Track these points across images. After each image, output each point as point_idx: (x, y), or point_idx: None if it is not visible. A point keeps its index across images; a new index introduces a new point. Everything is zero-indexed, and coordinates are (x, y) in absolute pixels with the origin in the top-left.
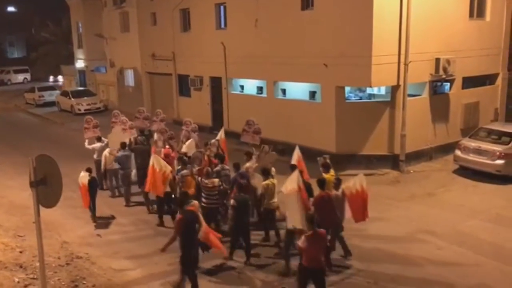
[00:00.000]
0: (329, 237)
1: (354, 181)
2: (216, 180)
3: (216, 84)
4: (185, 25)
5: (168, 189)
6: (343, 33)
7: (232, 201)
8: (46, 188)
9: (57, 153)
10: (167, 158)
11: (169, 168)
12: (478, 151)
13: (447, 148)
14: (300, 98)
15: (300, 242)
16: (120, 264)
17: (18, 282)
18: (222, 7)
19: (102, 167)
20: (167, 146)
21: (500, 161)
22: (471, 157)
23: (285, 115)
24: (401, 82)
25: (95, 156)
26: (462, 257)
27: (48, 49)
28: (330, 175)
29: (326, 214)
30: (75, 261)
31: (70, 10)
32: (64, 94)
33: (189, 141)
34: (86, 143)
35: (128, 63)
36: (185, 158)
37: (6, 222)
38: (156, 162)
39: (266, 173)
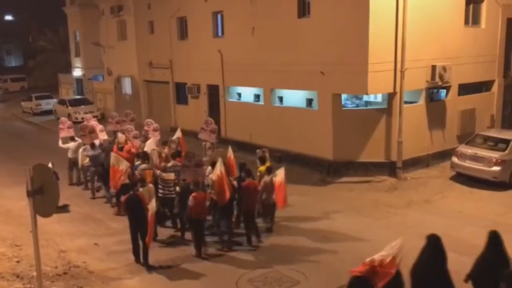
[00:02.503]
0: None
1: (278, 173)
2: (172, 174)
3: (214, 92)
4: (182, 33)
5: (126, 181)
6: (340, 40)
7: (177, 188)
8: (43, 198)
9: (54, 162)
10: (128, 154)
11: (125, 164)
12: (475, 158)
13: (443, 155)
14: (297, 105)
15: None
16: (117, 273)
17: None
18: (219, 16)
19: (80, 163)
20: (129, 144)
21: (496, 168)
22: (468, 163)
23: (282, 122)
24: (398, 90)
25: (69, 154)
26: (459, 263)
27: (45, 57)
28: (264, 167)
29: (251, 198)
30: (73, 270)
31: (68, 18)
32: (62, 102)
33: (150, 140)
34: (59, 143)
35: (125, 71)
36: (143, 154)
37: (3, 231)
38: (113, 159)
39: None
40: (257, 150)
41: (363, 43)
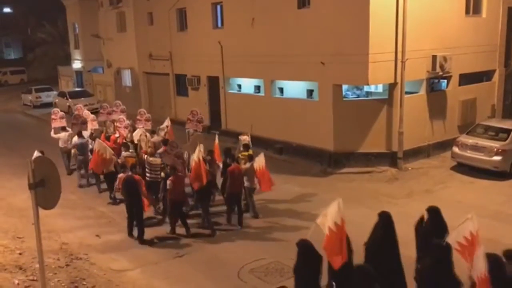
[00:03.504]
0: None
1: (257, 159)
2: (159, 159)
3: (214, 84)
4: (182, 24)
5: (112, 169)
6: (340, 31)
7: (162, 174)
8: (44, 190)
9: (55, 154)
10: (114, 144)
11: (110, 151)
12: (476, 148)
13: (444, 145)
14: (297, 96)
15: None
16: (119, 264)
17: (18, 284)
18: (218, 7)
19: (72, 152)
20: (116, 134)
21: (497, 157)
22: (469, 153)
23: (282, 113)
24: (398, 80)
25: (60, 144)
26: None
27: (44, 50)
28: (247, 153)
29: (236, 181)
30: (75, 262)
31: (66, 10)
32: (62, 95)
33: (137, 130)
34: (52, 132)
35: (125, 63)
36: (128, 143)
37: (5, 224)
38: (99, 146)
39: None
40: (240, 137)
41: (364, 33)
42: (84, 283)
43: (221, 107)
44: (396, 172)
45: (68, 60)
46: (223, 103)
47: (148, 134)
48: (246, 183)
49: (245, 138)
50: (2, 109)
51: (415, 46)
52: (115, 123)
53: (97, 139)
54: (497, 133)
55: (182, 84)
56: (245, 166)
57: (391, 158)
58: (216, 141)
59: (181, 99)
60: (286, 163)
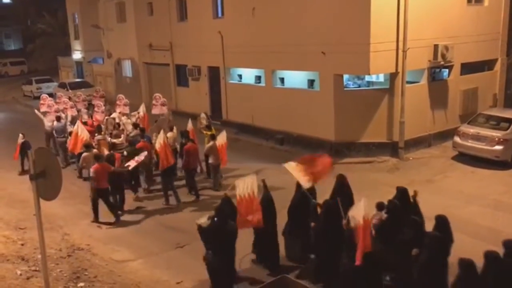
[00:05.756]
0: None
1: (219, 137)
2: (120, 138)
3: (214, 74)
4: (182, 14)
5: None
6: (341, 20)
7: (125, 152)
8: (45, 181)
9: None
10: (90, 127)
11: (86, 134)
12: (477, 137)
13: (445, 135)
14: (298, 86)
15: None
16: (121, 255)
17: (21, 274)
18: None
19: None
20: (93, 119)
21: (498, 147)
22: (470, 143)
23: (283, 104)
24: (400, 69)
25: (46, 127)
26: (461, 243)
27: (44, 40)
28: (210, 133)
29: (191, 158)
30: (77, 252)
31: (66, 1)
32: (62, 86)
33: (113, 114)
34: (40, 115)
35: (125, 53)
36: (101, 126)
37: (7, 215)
38: (78, 127)
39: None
40: (201, 115)
41: (365, 22)
42: (86, 273)
43: (222, 98)
44: (397, 162)
45: (68, 51)
46: (223, 93)
47: (123, 118)
48: (210, 160)
49: (203, 116)
50: (2, 100)
51: (416, 35)
52: (94, 108)
53: (77, 122)
54: (499, 123)
55: (182, 75)
56: (208, 144)
57: (392, 148)
58: (190, 125)
59: (181, 89)
60: (287, 154)
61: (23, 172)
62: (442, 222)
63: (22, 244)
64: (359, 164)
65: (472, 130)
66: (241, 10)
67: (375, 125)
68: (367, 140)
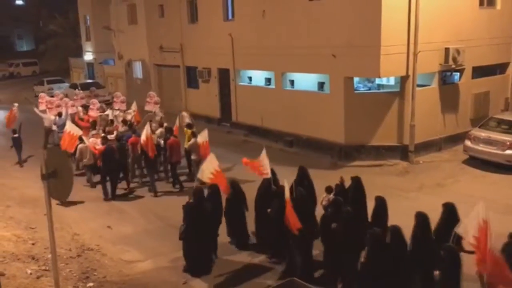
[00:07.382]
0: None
1: (201, 135)
2: (113, 135)
3: (224, 76)
4: (192, 16)
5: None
6: (352, 23)
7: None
8: (56, 181)
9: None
10: (87, 123)
11: (78, 132)
12: (488, 141)
13: (456, 139)
14: (308, 89)
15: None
16: (130, 255)
17: (31, 273)
18: None
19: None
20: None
21: (510, 151)
22: (481, 147)
23: (293, 106)
24: (410, 73)
25: (45, 124)
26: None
27: (56, 42)
28: (191, 131)
29: (174, 152)
30: (86, 252)
31: (78, 2)
32: (73, 86)
33: (108, 111)
34: (40, 113)
35: (136, 55)
36: (96, 122)
37: (18, 214)
38: (69, 126)
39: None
40: (183, 113)
41: (375, 25)
42: (95, 273)
43: (232, 100)
44: (407, 165)
45: (79, 52)
46: (233, 95)
47: (117, 114)
48: (193, 157)
49: (185, 115)
50: (15, 101)
51: (427, 38)
52: (90, 106)
53: (68, 121)
54: (510, 127)
55: (192, 76)
56: (189, 142)
57: (402, 151)
58: (177, 123)
59: (191, 91)
60: (296, 156)
61: (18, 163)
62: (450, 209)
63: (33, 244)
64: (368, 167)
65: (483, 134)
66: (251, 13)
67: (385, 128)
68: (377, 143)
